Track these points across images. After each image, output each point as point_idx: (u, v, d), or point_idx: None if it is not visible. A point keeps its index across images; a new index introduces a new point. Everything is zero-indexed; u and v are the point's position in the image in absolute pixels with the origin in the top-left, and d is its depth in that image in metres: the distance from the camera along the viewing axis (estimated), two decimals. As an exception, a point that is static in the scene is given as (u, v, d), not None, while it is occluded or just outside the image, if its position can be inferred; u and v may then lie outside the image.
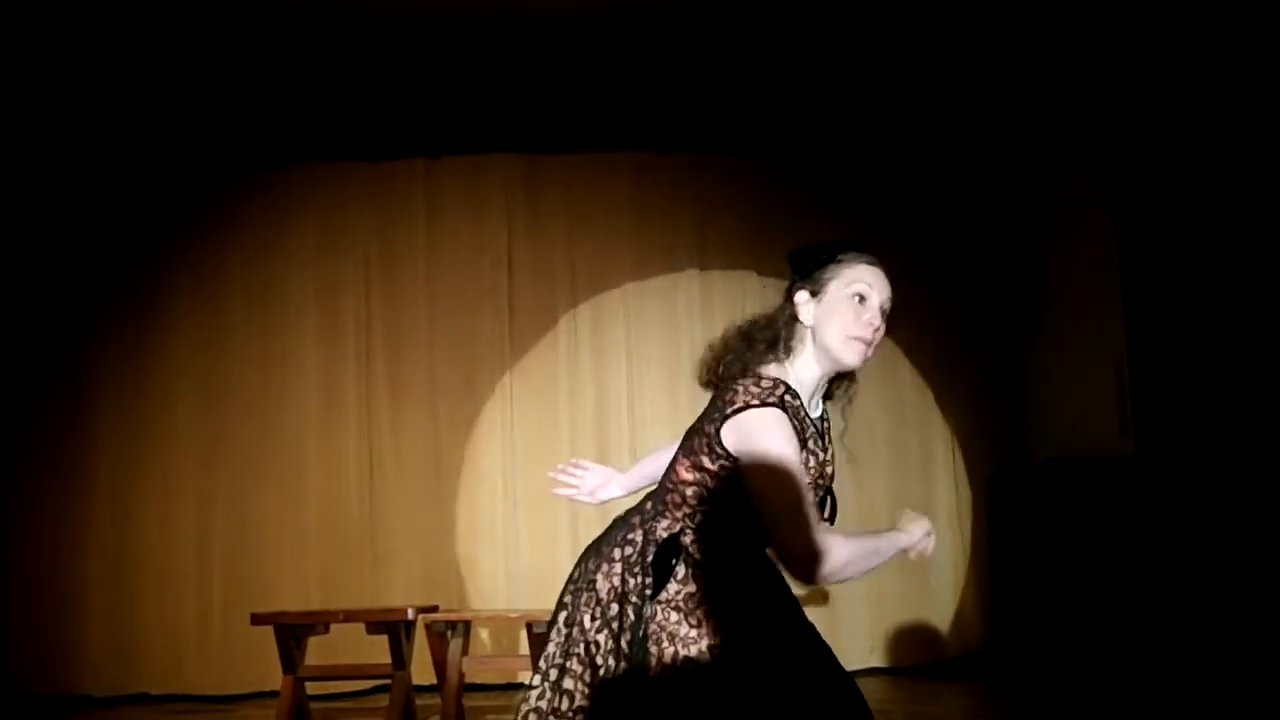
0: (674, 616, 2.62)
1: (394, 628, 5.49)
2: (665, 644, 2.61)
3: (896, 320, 2.81)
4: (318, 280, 7.15)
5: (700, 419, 2.68)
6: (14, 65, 6.15)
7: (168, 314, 7.12)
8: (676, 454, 2.73)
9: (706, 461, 2.64)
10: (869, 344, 2.69)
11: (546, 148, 7.11)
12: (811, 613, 2.83)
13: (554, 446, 6.84)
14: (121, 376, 7.09)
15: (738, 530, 2.67)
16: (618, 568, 2.71)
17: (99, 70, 6.34)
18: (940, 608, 6.96)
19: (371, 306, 7.11)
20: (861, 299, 2.69)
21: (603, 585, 2.71)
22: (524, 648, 5.49)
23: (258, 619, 5.58)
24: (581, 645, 2.69)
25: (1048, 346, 7.01)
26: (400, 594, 6.62)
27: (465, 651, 5.44)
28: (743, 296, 6.78)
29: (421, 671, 5.58)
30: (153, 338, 7.11)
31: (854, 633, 6.77)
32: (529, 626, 5.36)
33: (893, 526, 2.72)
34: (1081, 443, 6.49)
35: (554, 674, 2.71)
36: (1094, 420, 6.54)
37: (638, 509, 2.77)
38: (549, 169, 7.14)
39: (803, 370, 2.73)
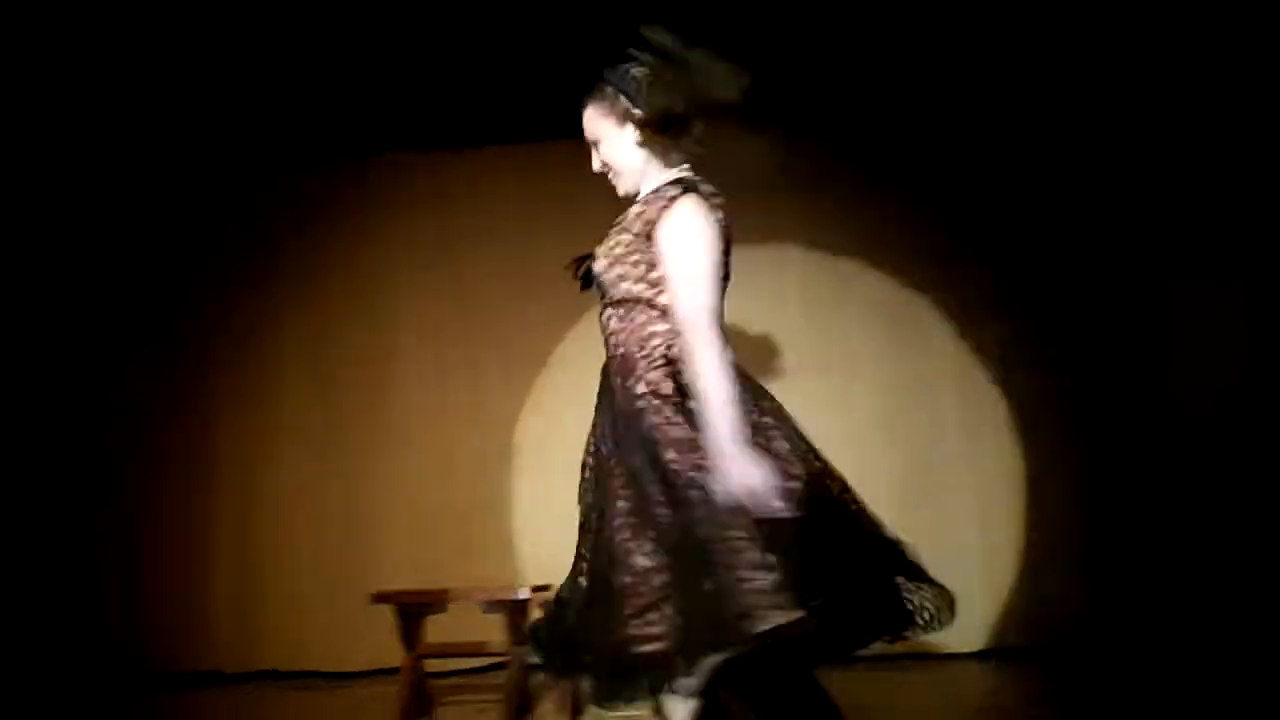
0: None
1: (509, 606, 5.62)
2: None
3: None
4: (421, 267, 7.29)
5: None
6: (118, 48, 6.27)
7: (277, 300, 7.37)
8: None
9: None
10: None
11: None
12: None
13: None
14: (240, 363, 7.35)
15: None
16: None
17: (206, 56, 6.46)
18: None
19: (475, 292, 7.24)
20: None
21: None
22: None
23: (378, 598, 5.75)
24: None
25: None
26: (511, 575, 6.74)
27: (581, 629, 5.53)
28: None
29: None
30: (267, 324, 7.36)
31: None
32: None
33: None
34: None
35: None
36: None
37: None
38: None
39: None
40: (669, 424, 2.88)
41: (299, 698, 6.52)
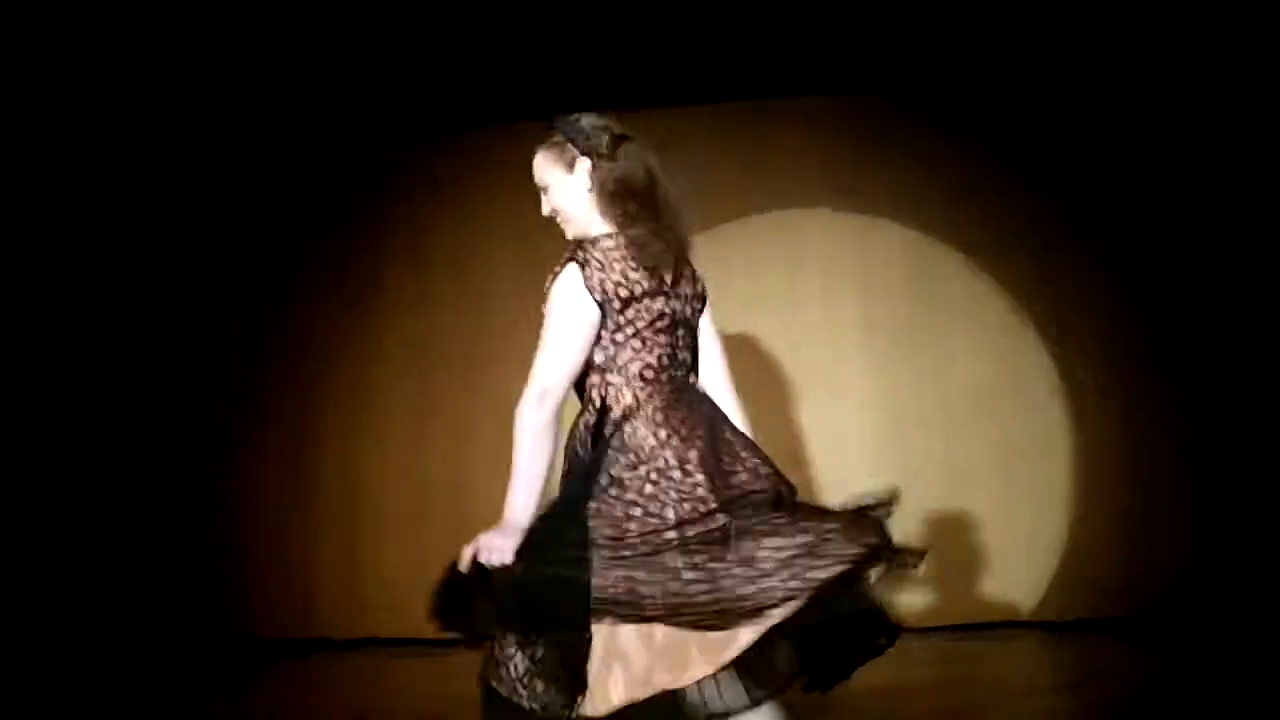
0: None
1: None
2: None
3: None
4: (519, 243, 7.36)
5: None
6: (233, 23, 6.37)
7: (382, 270, 7.53)
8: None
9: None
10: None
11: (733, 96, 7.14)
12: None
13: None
14: (345, 332, 7.53)
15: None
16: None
17: (312, 30, 6.54)
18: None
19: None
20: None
21: None
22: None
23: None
24: None
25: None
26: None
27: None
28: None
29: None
30: (373, 294, 7.52)
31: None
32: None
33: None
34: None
35: None
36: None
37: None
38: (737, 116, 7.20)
39: None
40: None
41: (404, 664, 6.66)
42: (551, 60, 6.87)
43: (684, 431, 3.06)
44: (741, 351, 7.09)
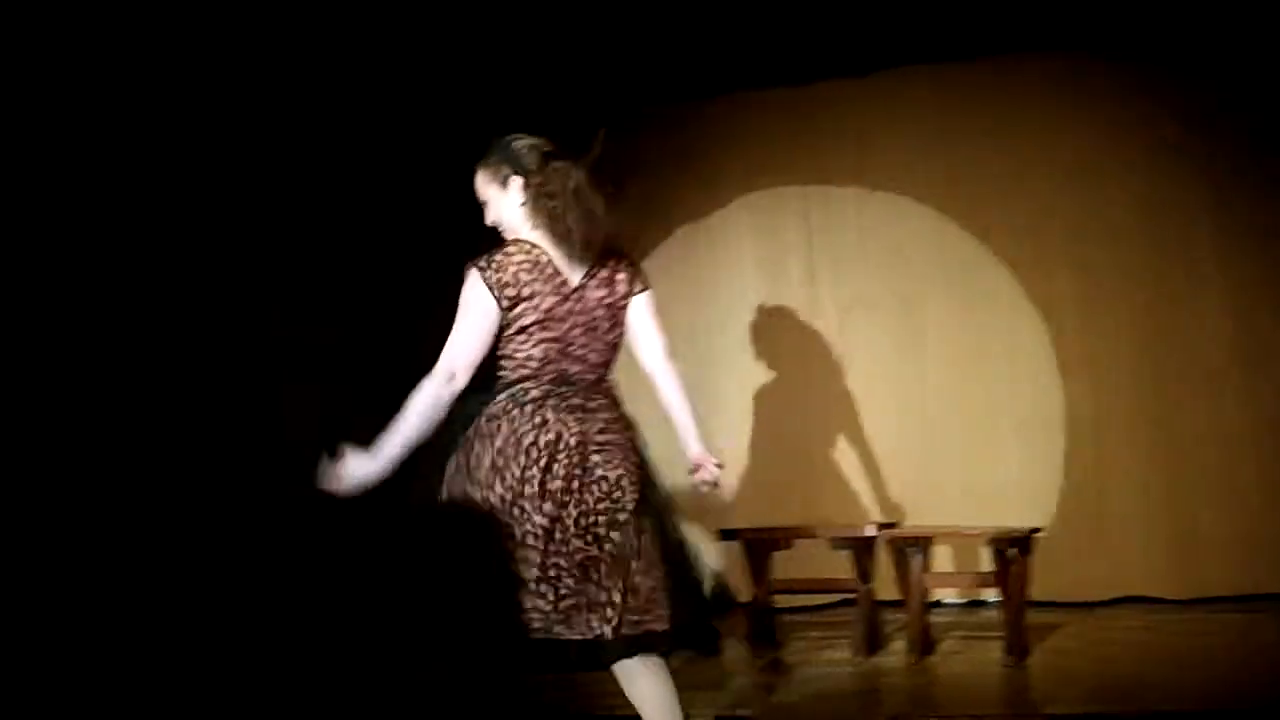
0: None
1: (856, 544, 5.63)
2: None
3: None
4: (756, 208, 7.31)
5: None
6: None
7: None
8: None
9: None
10: None
11: (966, 54, 6.92)
12: None
13: (1001, 360, 6.80)
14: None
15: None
16: None
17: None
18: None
19: (811, 230, 7.20)
20: None
21: None
22: (986, 565, 5.49)
23: (725, 534, 5.84)
24: None
25: None
26: (857, 511, 6.73)
27: (926, 568, 5.50)
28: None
29: (885, 588, 5.68)
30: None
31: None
32: (992, 543, 5.38)
33: None
34: None
35: None
36: None
37: None
38: (982, 74, 6.96)
39: None
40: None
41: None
42: (786, 28, 6.78)
43: (550, 422, 3.47)
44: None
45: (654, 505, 3.60)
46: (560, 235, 3.56)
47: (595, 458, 3.50)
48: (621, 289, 3.66)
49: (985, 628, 5.74)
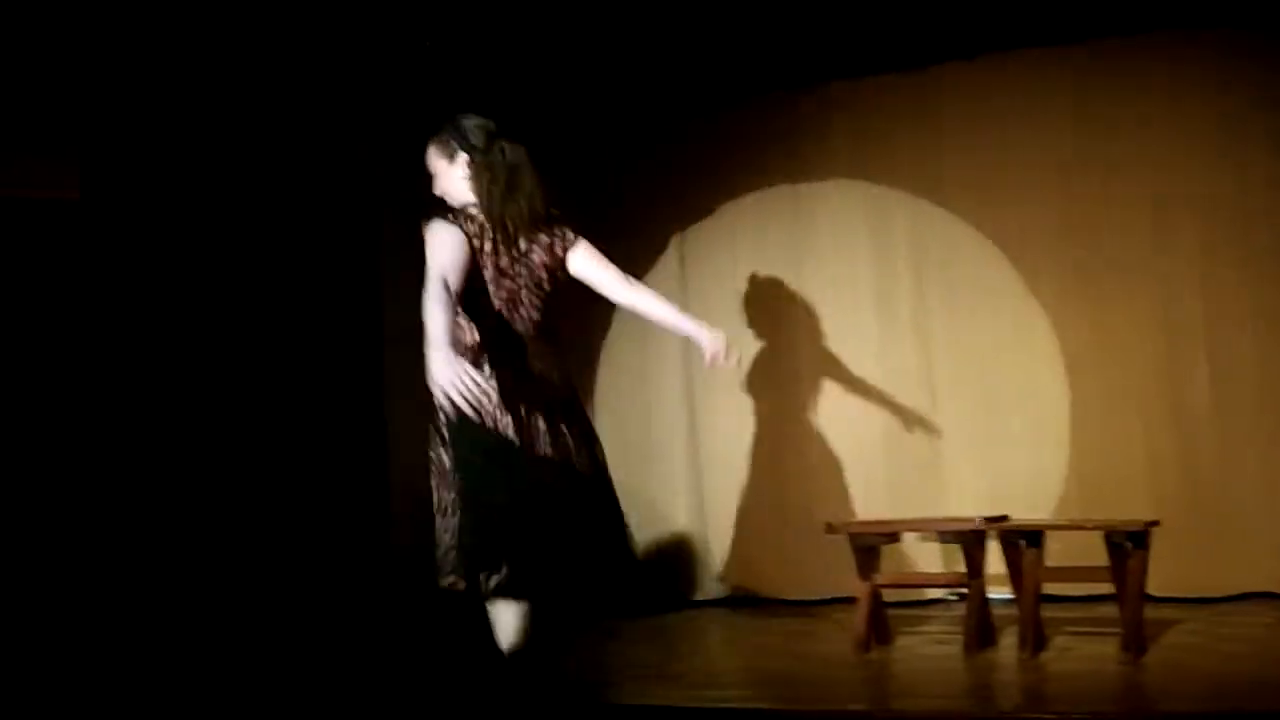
0: None
1: (966, 537, 5.53)
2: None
3: None
4: (865, 195, 7.22)
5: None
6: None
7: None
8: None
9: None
10: None
11: (1090, 34, 6.76)
12: None
13: (1118, 350, 6.65)
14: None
15: None
16: None
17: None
18: None
19: (920, 218, 7.10)
20: None
21: None
22: (1101, 558, 5.37)
23: (831, 529, 5.79)
24: None
25: None
26: (965, 504, 6.64)
27: (1039, 562, 5.39)
28: None
29: (997, 582, 5.58)
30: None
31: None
32: (1107, 537, 5.26)
33: None
34: None
35: None
36: None
37: None
38: (1098, 57, 6.80)
39: None
40: None
41: (758, 623, 6.67)
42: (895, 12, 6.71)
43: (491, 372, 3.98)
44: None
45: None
46: (501, 207, 4.06)
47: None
48: (562, 252, 4.19)
49: (1100, 623, 5.62)
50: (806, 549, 6.88)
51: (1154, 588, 5.44)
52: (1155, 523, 5.30)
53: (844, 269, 7.20)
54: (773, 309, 7.31)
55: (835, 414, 7.12)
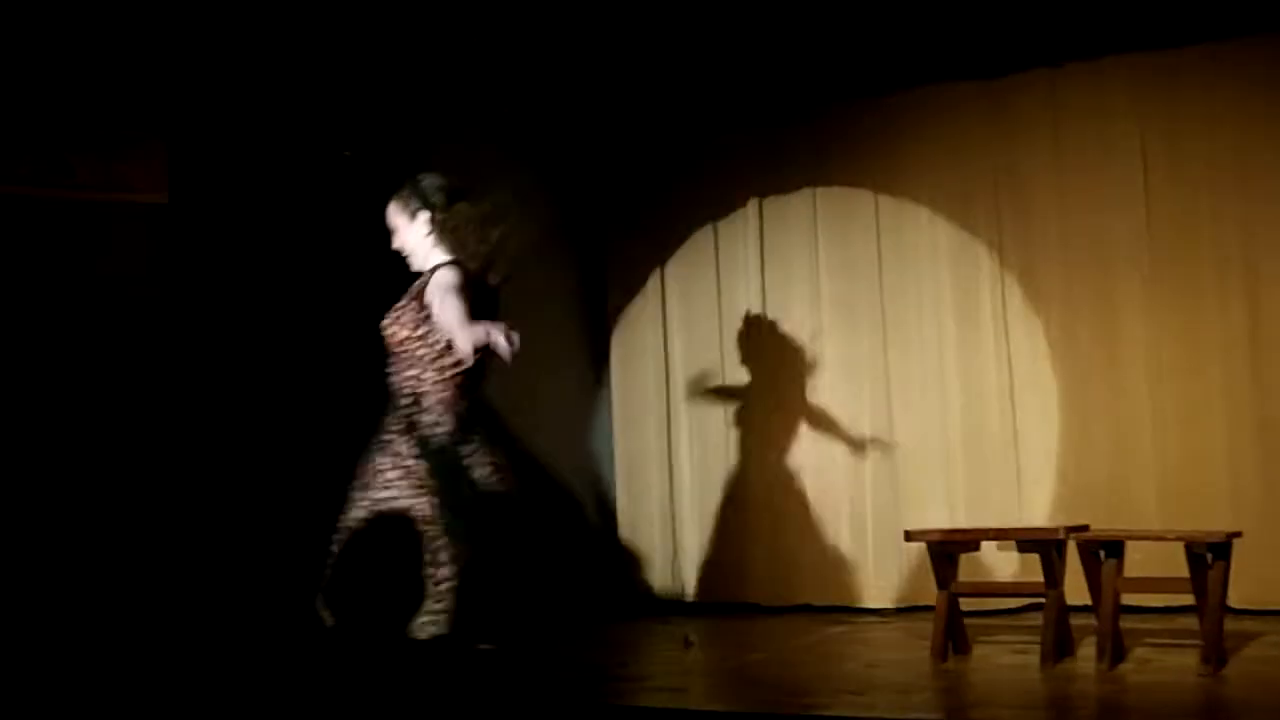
0: None
1: (1045, 547, 5.50)
2: None
3: None
4: (946, 202, 7.20)
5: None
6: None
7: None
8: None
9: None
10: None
11: (1177, 41, 6.69)
12: None
13: (1202, 360, 6.57)
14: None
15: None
16: None
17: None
18: None
19: (1002, 224, 7.06)
20: None
21: None
22: (1182, 569, 5.32)
23: (911, 536, 5.78)
24: None
25: None
26: (1044, 512, 6.60)
27: (1119, 573, 5.35)
28: None
29: (1075, 592, 5.55)
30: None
31: None
32: (1188, 548, 5.21)
33: None
34: None
35: None
36: None
37: None
38: (1185, 63, 6.72)
39: None
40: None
41: (835, 632, 6.66)
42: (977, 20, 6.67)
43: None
44: None
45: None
46: (459, 258, 4.36)
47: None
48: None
49: (1180, 635, 5.57)
50: (884, 556, 6.87)
51: (1235, 600, 5.39)
52: (1237, 534, 5.24)
53: (924, 276, 7.18)
54: (852, 314, 7.30)
55: (916, 421, 7.10)
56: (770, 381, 7.48)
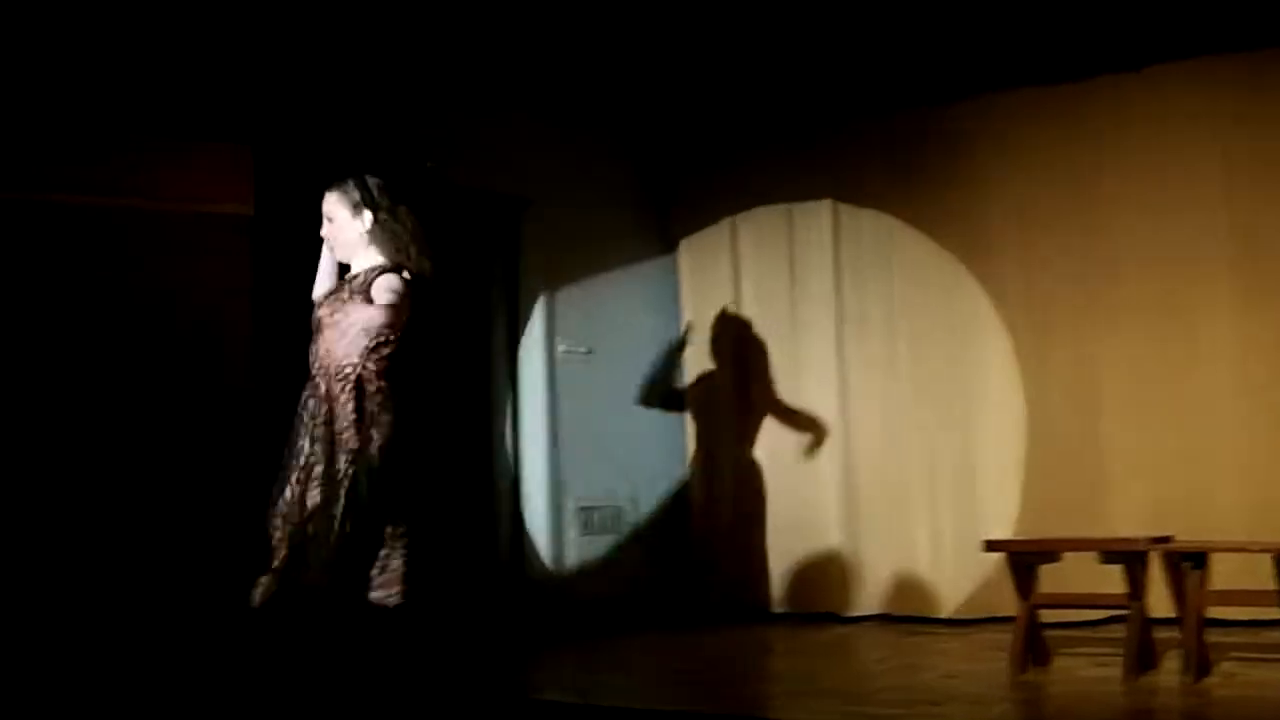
0: None
1: (1129, 558, 5.43)
2: None
3: None
4: (1021, 208, 7.13)
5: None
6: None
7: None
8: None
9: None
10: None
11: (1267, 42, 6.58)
12: None
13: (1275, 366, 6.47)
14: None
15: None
16: None
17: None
18: None
19: (1070, 228, 6.99)
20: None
21: None
22: (1268, 582, 5.23)
23: (991, 546, 5.73)
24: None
25: None
26: (1128, 523, 6.51)
27: (1204, 584, 5.27)
28: None
29: (1158, 604, 5.47)
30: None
31: None
32: (1275, 559, 5.12)
33: None
34: None
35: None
36: None
37: None
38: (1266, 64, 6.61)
39: None
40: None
41: (912, 641, 6.63)
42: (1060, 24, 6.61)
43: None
44: None
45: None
46: (400, 261, 4.49)
47: None
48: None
49: (1266, 648, 5.48)
50: (962, 566, 6.82)
51: (1325, 613, 5.28)
52: (1327, 545, 5.14)
53: (1007, 283, 7.11)
54: (930, 320, 7.25)
55: (994, 430, 7.04)
56: (843, 389, 7.46)
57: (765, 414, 7.72)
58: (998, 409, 7.04)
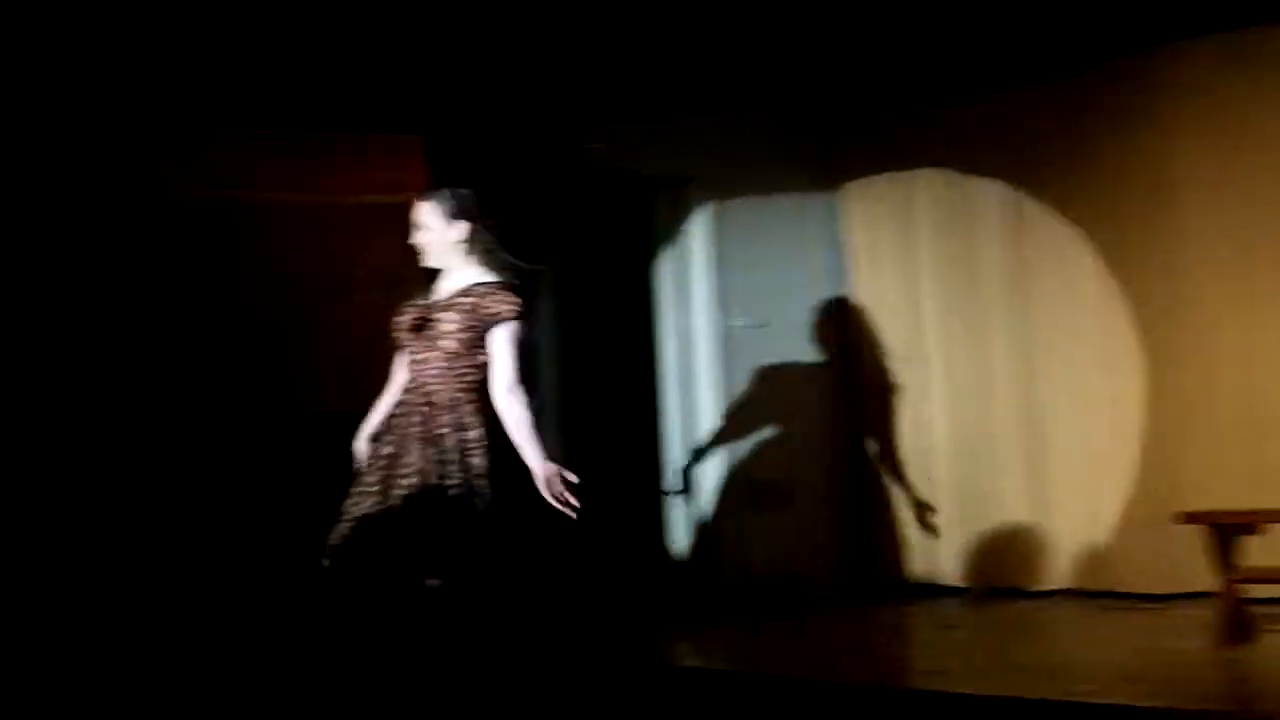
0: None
1: (1338, 530, 5.21)
2: None
3: None
4: (1215, 169, 6.84)
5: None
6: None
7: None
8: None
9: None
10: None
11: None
12: None
13: None
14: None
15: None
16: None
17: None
18: None
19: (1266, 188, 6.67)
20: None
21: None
22: None
23: (1189, 518, 5.54)
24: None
25: None
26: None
27: None
28: None
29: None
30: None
31: None
32: None
33: None
34: None
35: None
36: None
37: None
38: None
39: None
40: None
41: (1106, 617, 6.47)
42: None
43: None
44: None
45: None
46: (497, 271, 4.46)
47: None
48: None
49: None
50: (1160, 539, 6.57)
51: None
52: None
53: (1192, 254, 6.82)
54: (1128, 287, 7.01)
55: (1190, 397, 6.75)
56: (1025, 358, 7.28)
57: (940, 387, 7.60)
58: (1195, 376, 6.74)
